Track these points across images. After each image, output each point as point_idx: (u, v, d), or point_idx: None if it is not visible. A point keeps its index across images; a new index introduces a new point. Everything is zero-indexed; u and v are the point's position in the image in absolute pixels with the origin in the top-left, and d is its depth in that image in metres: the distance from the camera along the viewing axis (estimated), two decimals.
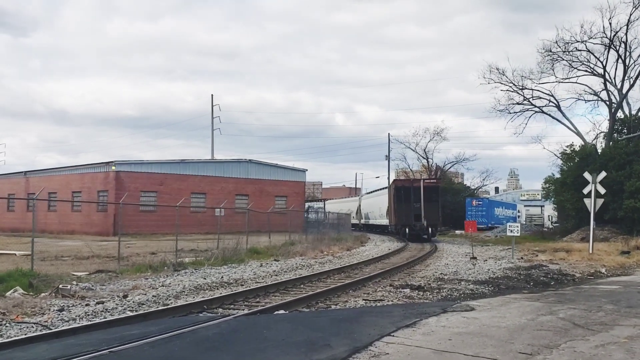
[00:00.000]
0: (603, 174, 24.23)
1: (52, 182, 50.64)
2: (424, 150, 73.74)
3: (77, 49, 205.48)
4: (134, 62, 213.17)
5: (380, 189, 52.24)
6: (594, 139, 40.35)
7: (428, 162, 74.71)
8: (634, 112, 37.51)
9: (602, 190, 23.66)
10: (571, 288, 14.50)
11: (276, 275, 15.56)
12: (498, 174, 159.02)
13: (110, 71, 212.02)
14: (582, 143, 38.59)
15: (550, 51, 37.66)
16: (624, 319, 9.56)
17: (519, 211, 72.11)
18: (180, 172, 48.43)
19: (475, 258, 21.95)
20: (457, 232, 56.05)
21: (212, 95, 62.82)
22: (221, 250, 19.04)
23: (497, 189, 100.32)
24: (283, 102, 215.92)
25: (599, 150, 37.61)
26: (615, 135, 37.93)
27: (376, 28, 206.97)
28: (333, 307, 10.22)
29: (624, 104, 38.71)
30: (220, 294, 11.26)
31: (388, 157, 76.56)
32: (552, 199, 41.67)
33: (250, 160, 53.63)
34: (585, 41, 35.99)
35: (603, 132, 38.74)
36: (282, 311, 9.02)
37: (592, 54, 37.08)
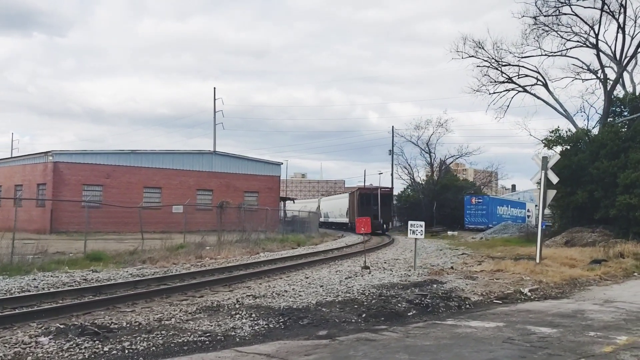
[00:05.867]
0: (556, 158, 18.35)
1: None
2: (427, 143, 67.47)
3: (109, 48, 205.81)
4: (165, 62, 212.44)
5: (340, 194, 67.54)
6: (594, 125, 33.95)
7: (430, 156, 68.42)
8: (632, 88, 30.98)
9: (555, 179, 17.78)
10: (412, 328, 8.97)
11: None
12: (506, 169, 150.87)
13: (141, 71, 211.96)
14: (573, 128, 32.27)
15: (535, 18, 31.55)
16: None
17: (528, 210, 65.18)
18: (132, 163, 43.65)
19: (367, 268, 16.34)
20: (450, 233, 50.17)
21: (214, 88, 58.56)
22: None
23: (514, 187, 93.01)
24: (314, 101, 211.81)
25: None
26: (613, 118, 31.48)
27: (407, 24, 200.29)
28: None
29: (627, 80, 32.37)
30: None
31: (392, 152, 71.08)
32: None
33: (215, 151, 48.65)
34: (571, 4, 29.74)
35: (600, 114, 32.29)
36: None
37: (583, 20, 30.82)
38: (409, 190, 69.33)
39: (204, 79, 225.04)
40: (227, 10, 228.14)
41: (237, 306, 9.84)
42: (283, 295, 11.14)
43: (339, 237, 40.52)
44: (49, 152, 41.20)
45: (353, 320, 9.30)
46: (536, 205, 65.99)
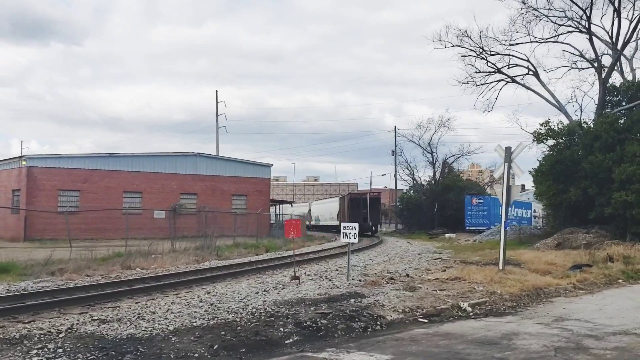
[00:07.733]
0: (522, 148, 15.96)
1: None
2: (428, 143, 64.67)
3: (124, 55, 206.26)
4: (180, 67, 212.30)
5: (329, 198, 72.90)
6: (593, 119, 31.31)
7: (432, 155, 65.63)
8: (632, 76, 28.36)
9: (520, 173, 15.50)
10: None
11: None
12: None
13: (157, 77, 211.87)
14: (567, 121, 29.70)
15: (524, 3, 29.16)
16: None
17: (534, 211, 62.19)
18: (110, 167, 41.82)
19: (297, 278, 14.10)
20: (447, 235, 47.69)
21: (216, 91, 56.91)
22: None
23: (523, 187, 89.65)
24: (329, 103, 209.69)
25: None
26: (611, 108, 28.87)
27: (421, 25, 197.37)
28: None
29: (626, 68, 29.80)
30: None
31: (394, 153, 68.77)
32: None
33: (199, 153, 46.62)
34: None
35: (596, 104, 29.70)
36: None
37: (576, 3, 28.32)
38: (412, 191, 66.83)
39: (219, 84, 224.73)
40: (241, 15, 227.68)
41: (60, 336, 7.73)
42: (143, 319, 9.01)
43: (326, 241, 38.27)
44: (22, 156, 39.65)
45: (196, 355, 7.14)
46: (544, 207, 63.29)
